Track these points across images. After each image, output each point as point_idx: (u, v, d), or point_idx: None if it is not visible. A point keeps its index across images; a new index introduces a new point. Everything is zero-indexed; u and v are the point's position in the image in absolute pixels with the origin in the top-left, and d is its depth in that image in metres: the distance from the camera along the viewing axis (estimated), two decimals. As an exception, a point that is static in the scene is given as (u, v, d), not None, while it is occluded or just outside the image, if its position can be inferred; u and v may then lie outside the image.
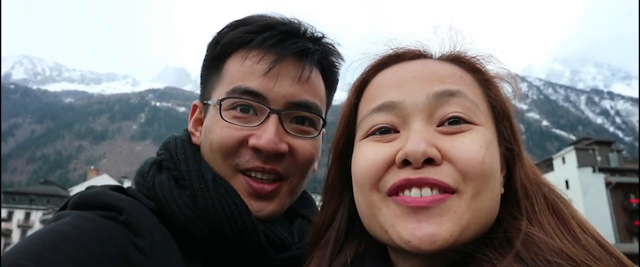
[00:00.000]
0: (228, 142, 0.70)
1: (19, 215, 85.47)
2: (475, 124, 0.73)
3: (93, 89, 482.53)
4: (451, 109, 0.72)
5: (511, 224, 0.71)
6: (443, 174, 0.66)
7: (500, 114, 0.82)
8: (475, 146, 0.70)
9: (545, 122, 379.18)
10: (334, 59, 0.76)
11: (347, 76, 0.81)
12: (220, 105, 0.70)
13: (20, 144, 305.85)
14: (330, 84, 0.76)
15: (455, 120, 0.72)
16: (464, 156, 0.68)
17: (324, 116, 0.73)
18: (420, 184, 0.65)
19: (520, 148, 0.81)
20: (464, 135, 0.71)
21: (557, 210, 0.74)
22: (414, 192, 0.64)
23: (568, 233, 0.69)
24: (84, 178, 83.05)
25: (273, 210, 0.71)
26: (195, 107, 0.78)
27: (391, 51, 0.82)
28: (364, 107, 0.76)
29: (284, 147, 0.69)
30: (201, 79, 0.78)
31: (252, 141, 0.69)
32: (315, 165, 0.75)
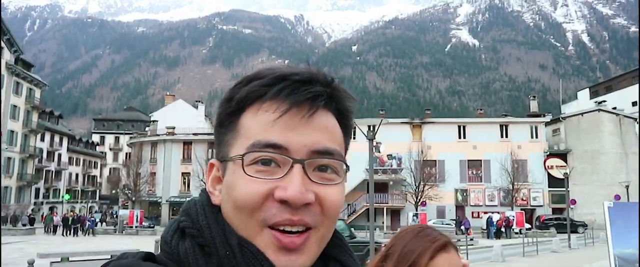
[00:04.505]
0: (254, 197, 0.69)
1: (109, 139, 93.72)
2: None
3: (162, 17, 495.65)
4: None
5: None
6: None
7: None
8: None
9: (634, 28, 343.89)
10: (347, 103, 0.74)
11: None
12: (242, 160, 0.69)
13: (103, 74, 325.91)
14: (346, 128, 0.75)
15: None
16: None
17: (345, 161, 0.73)
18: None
19: None
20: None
21: None
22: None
23: None
24: (162, 103, 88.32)
25: (302, 263, 0.69)
26: (212, 166, 0.78)
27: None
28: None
29: (310, 197, 0.67)
30: (215, 137, 0.78)
31: (278, 194, 0.68)
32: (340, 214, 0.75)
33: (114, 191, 64.90)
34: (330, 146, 0.70)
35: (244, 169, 0.69)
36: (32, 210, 55.39)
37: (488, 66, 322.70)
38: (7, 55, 53.91)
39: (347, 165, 0.70)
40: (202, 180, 42.23)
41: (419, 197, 41.53)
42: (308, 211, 0.68)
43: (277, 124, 0.68)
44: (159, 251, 0.75)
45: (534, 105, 52.96)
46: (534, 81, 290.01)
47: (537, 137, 47.01)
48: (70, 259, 15.99)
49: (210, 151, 49.94)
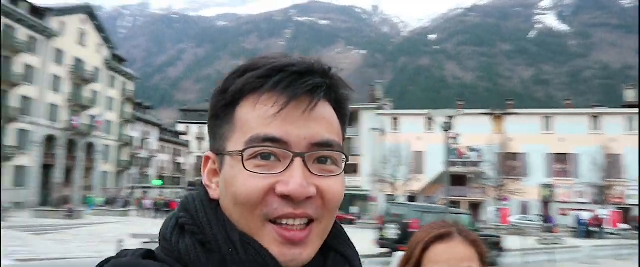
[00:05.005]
0: (254, 193, 0.66)
1: (194, 129, 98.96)
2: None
3: (241, 10, 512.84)
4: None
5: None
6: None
7: None
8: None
9: None
10: (344, 92, 0.74)
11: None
12: (242, 156, 0.67)
13: (187, 67, 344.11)
14: (343, 117, 0.75)
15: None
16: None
17: (344, 152, 0.73)
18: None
19: None
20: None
21: None
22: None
23: None
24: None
25: (307, 257, 0.68)
26: (207, 159, 0.76)
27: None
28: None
29: (312, 190, 0.67)
30: (210, 129, 0.77)
31: (280, 188, 0.66)
32: None
33: (198, 178, 68.47)
34: (329, 137, 0.70)
35: (243, 165, 0.67)
36: (128, 194, 59.97)
37: (577, 53, 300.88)
38: (105, 52, 58.57)
39: (346, 156, 0.68)
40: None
41: (500, 192, 39.94)
42: (310, 204, 0.67)
43: (277, 119, 0.67)
44: (159, 246, 0.72)
45: (630, 95, 48.87)
46: (631, 68, 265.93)
47: (634, 129, 43.43)
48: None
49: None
